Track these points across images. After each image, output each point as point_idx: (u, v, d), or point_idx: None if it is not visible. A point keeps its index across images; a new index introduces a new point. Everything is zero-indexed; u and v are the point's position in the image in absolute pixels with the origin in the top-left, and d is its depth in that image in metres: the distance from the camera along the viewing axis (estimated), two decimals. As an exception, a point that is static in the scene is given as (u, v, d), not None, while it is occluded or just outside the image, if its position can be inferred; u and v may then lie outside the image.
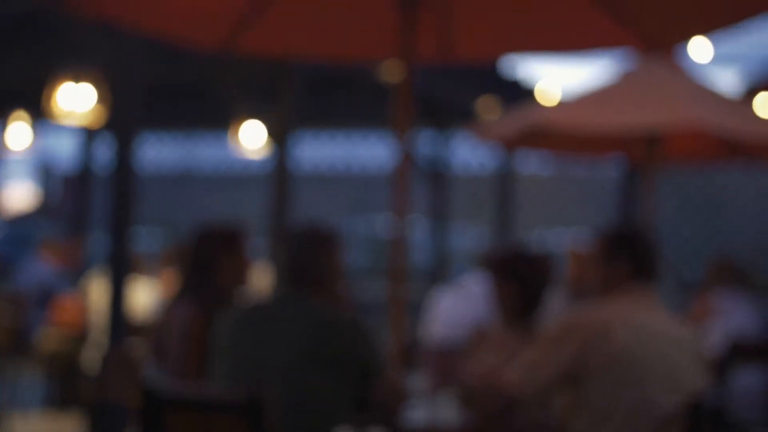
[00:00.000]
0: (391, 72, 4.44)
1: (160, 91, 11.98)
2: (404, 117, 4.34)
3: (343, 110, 14.67)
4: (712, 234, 17.40)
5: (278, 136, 10.45)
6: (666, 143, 7.05)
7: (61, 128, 14.25)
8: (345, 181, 21.32)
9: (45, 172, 20.76)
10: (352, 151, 21.34)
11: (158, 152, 21.94)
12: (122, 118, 8.14)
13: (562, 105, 6.92)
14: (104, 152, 10.72)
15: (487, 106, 12.13)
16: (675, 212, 17.24)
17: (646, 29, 4.40)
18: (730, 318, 8.17)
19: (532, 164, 17.06)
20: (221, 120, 12.58)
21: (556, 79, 10.15)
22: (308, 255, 4.36)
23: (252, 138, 11.80)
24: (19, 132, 12.27)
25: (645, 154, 6.98)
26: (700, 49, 8.73)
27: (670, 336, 4.48)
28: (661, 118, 6.38)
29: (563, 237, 15.85)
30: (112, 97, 8.49)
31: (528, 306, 5.08)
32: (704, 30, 4.51)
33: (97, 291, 9.64)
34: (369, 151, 20.88)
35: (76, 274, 11.76)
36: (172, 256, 10.34)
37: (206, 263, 5.11)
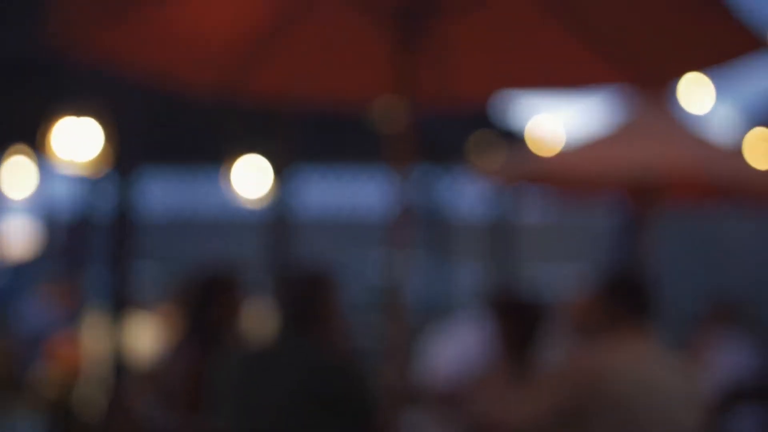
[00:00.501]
0: (390, 113, 4.48)
1: (162, 130, 12.00)
2: (404, 157, 4.39)
3: (342, 147, 14.68)
4: (710, 271, 17.45)
5: (278, 171, 10.49)
6: (664, 189, 7.14)
7: (63, 173, 14.27)
8: (345, 216, 21.31)
9: (47, 217, 20.78)
10: (350, 187, 21.34)
11: (160, 192, 21.95)
12: (123, 161, 8.18)
13: (560, 155, 7.03)
14: (106, 195, 10.74)
15: (481, 144, 12.15)
16: (675, 249, 17.28)
17: (640, 67, 4.46)
18: (727, 356, 8.18)
19: (531, 213, 17.11)
20: (222, 158, 12.58)
21: (549, 121, 10.20)
22: (306, 299, 4.41)
23: (251, 179, 11.80)
24: (21, 178, 12.27)
25: (644, 199, 7.08)
26: (701, 92, 8.78)
27: (667, 377, 4.50)
28: (658, 166, 6.47)
29: (562, 272, 15.84)
30: (113, 140, 8.54)
31: (526, 344, 5.13)
32: (698, 67, 4.58)
33: (95, 332, 9.65)
34: (366, 188, 20.89)
35: (74, 315, 11.74)
36: (171, 297, 10.35)
37: (207, 308, 5.16)
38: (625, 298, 4.59)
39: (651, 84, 4.84)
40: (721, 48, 4.09)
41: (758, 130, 8.35)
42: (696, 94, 8.71)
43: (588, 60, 4.47)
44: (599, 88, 5.11)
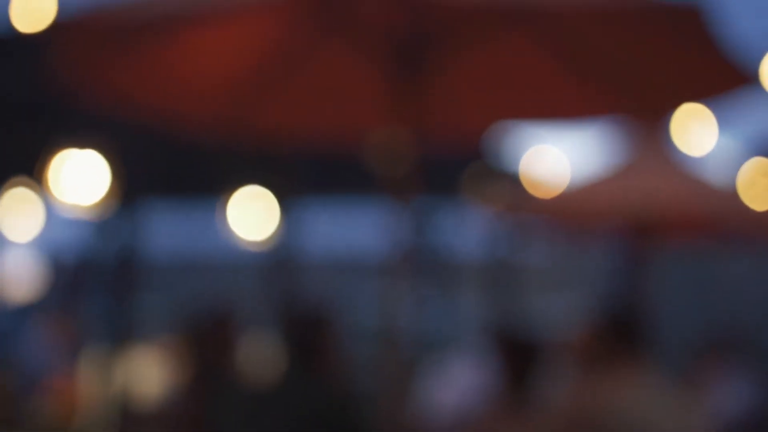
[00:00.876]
0: (388, 147, 4.53)
1: (167, 166, 11.98)
2: (403, 191, 4.44)
3: (341, 181, 14.61)
4: (710, 307, 17.47)
5: (282, 207, 10.48)
6: (663, 228, 7.22)
7: (67, 216, 14.26)
8: (344, 250, 21.17)
9: (51, 256, 20.73)
10: (348, 221, 21.22)
11: (166, 226, 21.84)
12: (129, 197, 8.19)
13: (559, 196, 7.11)
14: (111, 230, 10.74)
15: (479, 178, 12.11)
16: (675, 286, 17.31)
17: (633, 99, 4.53)
18: (728, 391, 8.21)
19: (531, 248, 17.08)
20: (226, 192, 12.47)
21: (547, 156, 10.18)
22: (307, 338, 4.48)
23: (254, 220, 11.75)
24: (24, 218, 12.25)
25: (643, 238, 7.17)
26: (702, 130, 8.79)
27: (667, 412, 4.54)
28: (657, 206, 6.56)
29: (563, 302, 15.83)
30: (119, 176, 8.55)
31: (527, 380, 5.19)
32: (689, 100, 4.67)
33: (97, 368, 9.66)
34: (364, 222, 20.76)
35: (75, 351, 11.72)
36: (174, 335, 10.35)
37: (209, 348, 5.21)
38: (624, 333, 4.64)
39: (644, 115, 4.91)
40: (710, 82, 4.17)
41: (757, 161, 8.36)
42: (697, 131, 8.74)
43: (583, 91, 4.54)
44: (596, 120, 5.18)
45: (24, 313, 18.01)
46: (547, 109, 4.84)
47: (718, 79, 4.09)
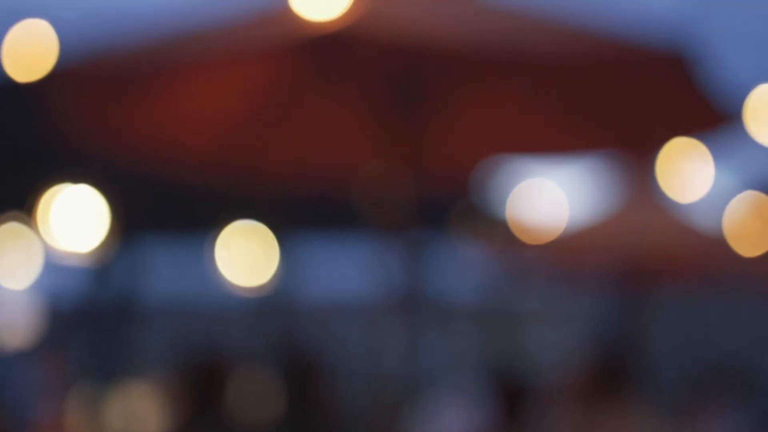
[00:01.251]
0: (382, 184, 4.59)
1: (164, 209, 11.96)
2: (396, 227, 4.49)
3: (334, 217, 14.56)
4: (706, 346, 17.50)
5: (280, 247, 10.46)
6: (656, 273, 7.30)
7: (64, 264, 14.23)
8: (337, 287, 21.09)
9: (48, 305, 20.64)
10: (340, 256, 21.10)
11: (163, 269, 21.74)
12: (126, 237, 8.16)
13: (552, 242, 7.18)
14: (110, 272, 10.68)
15: (469, 216, 12.09)
16: (672, 326, 17.34)
17: (625, 134, 4.61)
18: (723, 427, 8.23)
19: (526, 289, 17.08)
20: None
21: (538, 198, 10.15)
22: (300, 379, 4.56)
23: (250, 267, 11.66)
24: (20, 267, 12.21)
25: (637, 282, 7.24)
26: (697, 169, 8.79)
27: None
28: (647, 252, 6.64)
29: (559, 341, 15.84)
30: (117, 216, 8.54)
31: (522, 418, 5.25)
32: (684, 133, 4.76)
33: (90, 406, 9.63)
34: (356, 258, 20.63)
35: (68, 390, 11.66)
36: (170, 376, 10.31)
37: (205, 390, 5.25)
38: (619, 372, 4.70)
39: (628, 151, 5.00)
40: (691, 122, 4.25)
41: (749, 195, 8.35)
42: (689, 173, 8.74)
43: (570, 128, 4.60)
44: (583, 155, 5.25)
45: (19, 358, 17.90)
46: (536, 144, 4.91)
47: (700, 119, 4.17)
